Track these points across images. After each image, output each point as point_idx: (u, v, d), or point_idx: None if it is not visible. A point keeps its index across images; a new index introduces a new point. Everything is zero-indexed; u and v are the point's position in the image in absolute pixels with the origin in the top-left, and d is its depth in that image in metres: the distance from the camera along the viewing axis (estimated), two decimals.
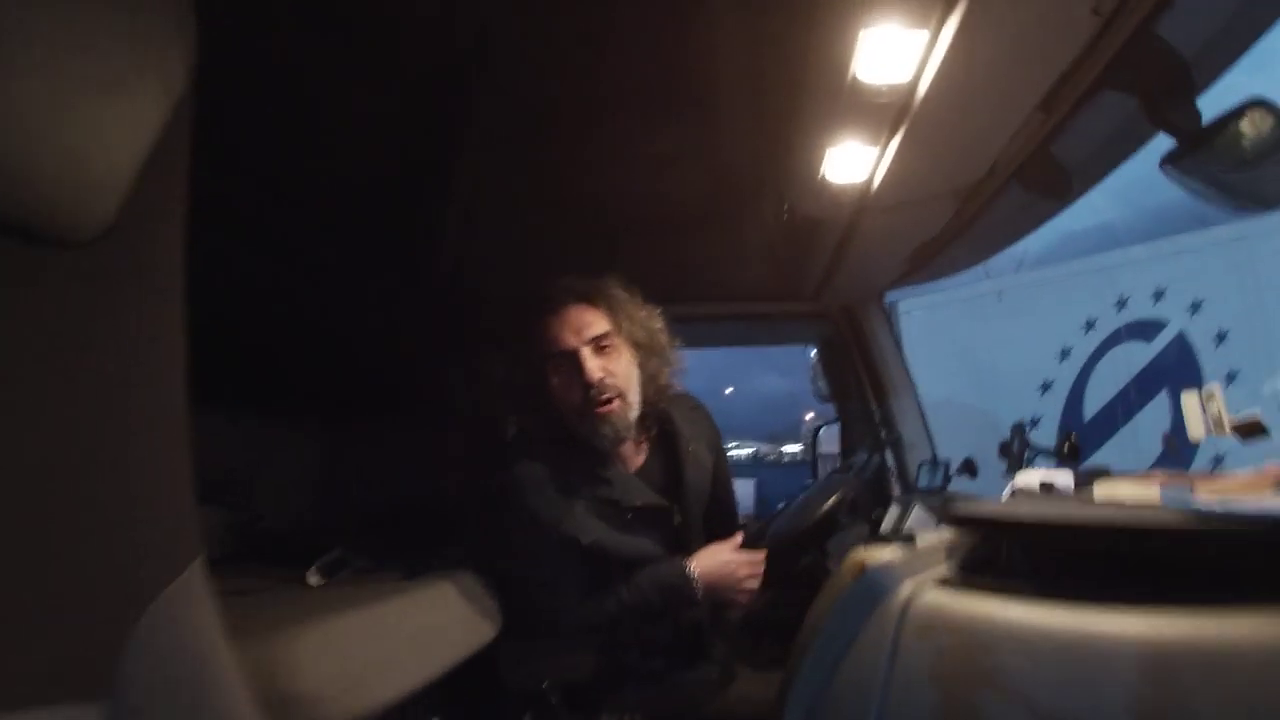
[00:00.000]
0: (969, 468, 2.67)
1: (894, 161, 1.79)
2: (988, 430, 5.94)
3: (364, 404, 2.75)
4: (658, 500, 2.09)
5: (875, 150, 1.78)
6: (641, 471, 2.16)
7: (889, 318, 3.13)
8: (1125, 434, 6.94)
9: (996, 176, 1.90)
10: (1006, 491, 1.53)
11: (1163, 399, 6.79)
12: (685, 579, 1.99)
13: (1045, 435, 6.35)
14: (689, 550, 2.08)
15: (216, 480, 2.12)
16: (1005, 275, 7.68)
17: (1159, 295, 6.94)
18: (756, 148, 2.21)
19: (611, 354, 2.05)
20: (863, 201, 2.02)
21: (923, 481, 2.80)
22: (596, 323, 2.05)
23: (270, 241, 2.19)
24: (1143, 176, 1.76)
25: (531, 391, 2.08)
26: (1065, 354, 7.41)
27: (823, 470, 3.78)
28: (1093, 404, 7.22)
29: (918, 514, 2.45)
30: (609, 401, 2.01)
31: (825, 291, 2.99)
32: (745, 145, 2.21)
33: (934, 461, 2.83)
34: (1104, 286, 7.28)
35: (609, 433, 2.03)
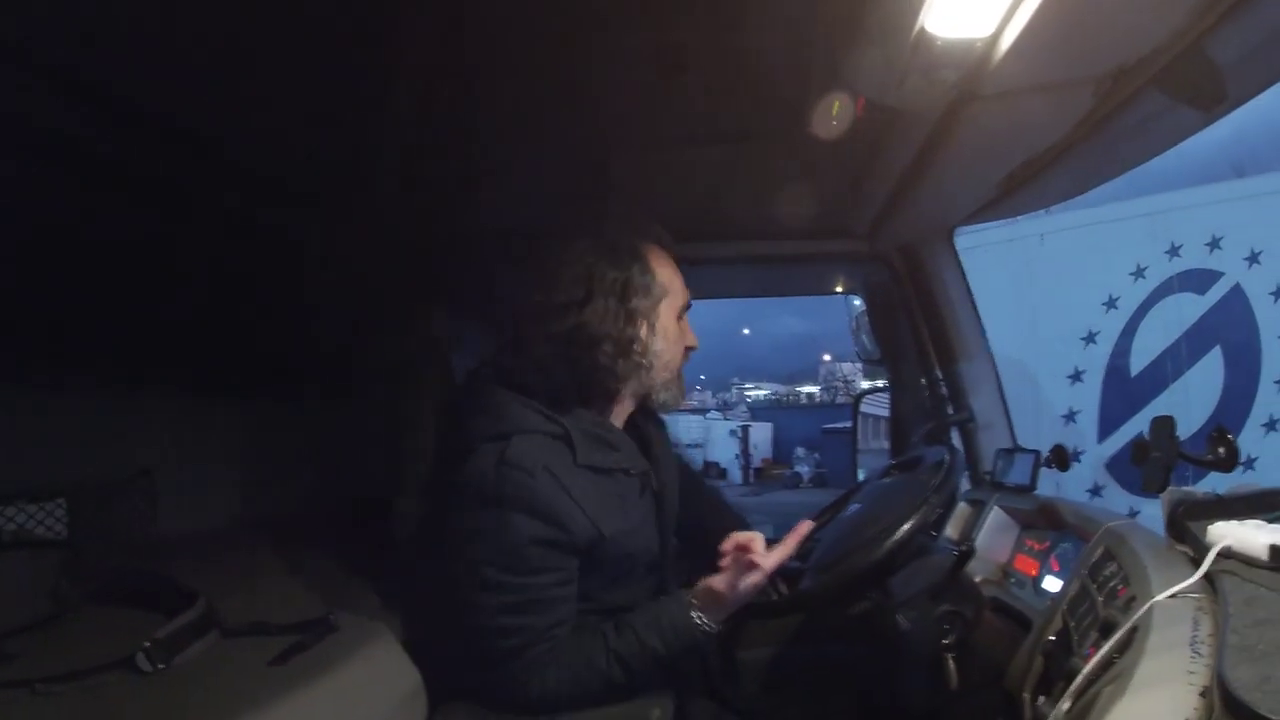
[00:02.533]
0: (1059, 458, 2.11)
1: (1034, 16, 1.26)
2: (1026, 384, 5.55)
3: (296, 375, 2.54)
4: (646, 464, 1.75)
5: None
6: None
7: (959, 261, 2.54)
8: (1176, 391, 6.67)
9: (1140, 71, 1.50)
10: (1211, 555, 1.12)
11: (1215, 356, 6.61)
12: (690, 621, 1.58)
13: (1090, 389, 6.13)
14: (668, 526, 1.78)
15: (118, 480, 1.94)
16: (1045, 216, 7.22)
17: (1215, 244, 6.71)
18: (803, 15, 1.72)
19: None
20: (975, 77, 1.47)
21: (1003, 475, 2.27)
22: None
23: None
24: None
25: (631, 340, 1.66)
26: (1112, 303, 7.03)
27: (865, 436, 3.32)
28: (1140, 359, 6.90)
29: (995, 519, 2.15)
30: None
31: (884, 226, 2.48)
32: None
33: (1016, 449, 2.31)
34: (1156, 232, 7.00)
35: (681, 397, 1.82)
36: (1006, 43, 1.34)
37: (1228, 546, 1.11)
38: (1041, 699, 1.34)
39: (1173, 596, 1.07)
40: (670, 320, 1.71)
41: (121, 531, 1.94)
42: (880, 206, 2.32)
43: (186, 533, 2.15)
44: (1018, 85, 1.49)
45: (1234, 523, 1.15)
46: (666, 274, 1.70)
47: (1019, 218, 6.78)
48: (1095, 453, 6.30)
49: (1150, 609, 1.05)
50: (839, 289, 3.32)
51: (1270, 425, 6.17)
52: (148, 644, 1.34)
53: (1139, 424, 6.15)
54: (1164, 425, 1.48)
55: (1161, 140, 1.86)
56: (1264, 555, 1.03)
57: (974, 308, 2.54)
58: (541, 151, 2.24)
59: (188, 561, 1.86)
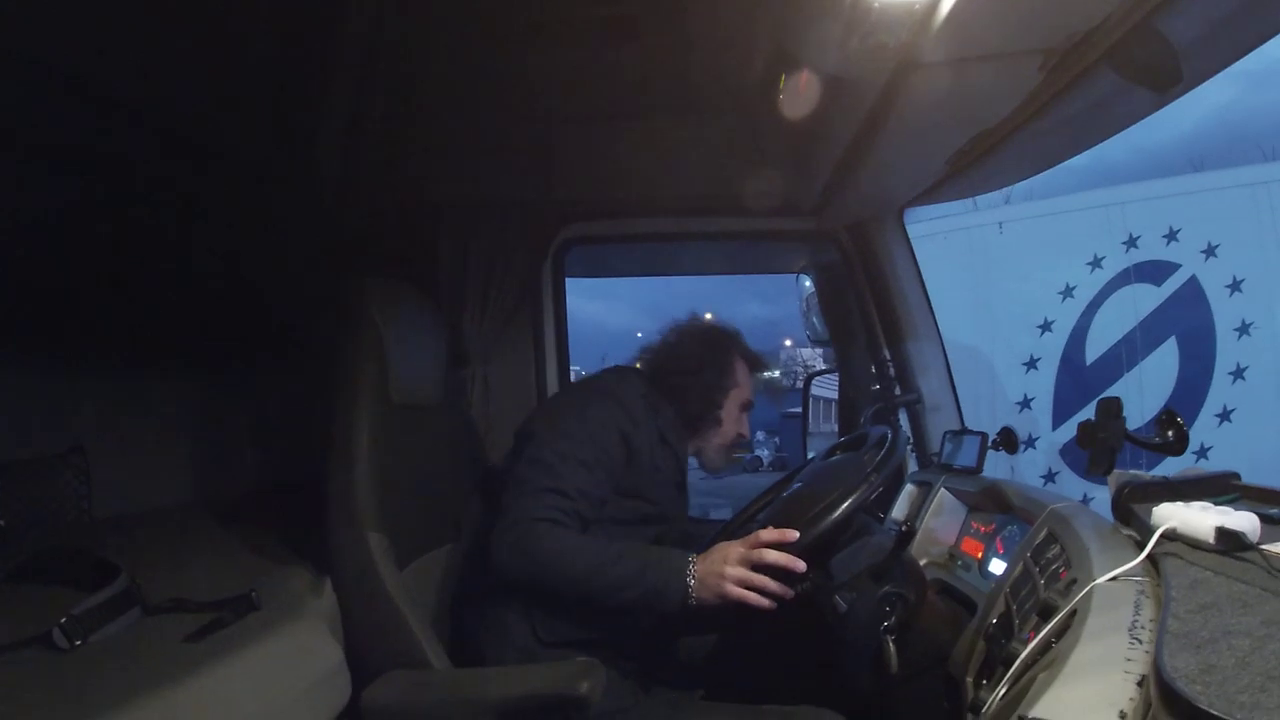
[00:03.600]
0: (1007, 441, 2.15)
1: None
2: (982, 370, 5.56)
3: (240, 350, 2.58)
4: (685, 473, 2.27)
5: None
6: None
7: (909, 242, 2.51)
8: (1130, 380, 6.62)
9: (1091, 47, 1.48)
10: (1155, 537, 1.10)
11: (1170, 346, 6.61)
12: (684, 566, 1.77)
13: (1045, 376, 6.17)
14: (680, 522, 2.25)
15: (50, 456, 1.99)
16: (1002, 207, 7.24)
17: (1172, 236, 6.72)
18: None
19: None
20: (917, 44, 1.43)
21: (949, 457, 2.27)
22: None
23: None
24: None
25: (713, 405, 2.22)
26: (1068, 292, 7.01)
27: (816, 418, 3.31)
28: (1095, 348, 6.88)
29: (942, 501, 2.16)
30: None
31: (832, 203, 2.45)
32: None
33: (963, 431, 2.30)
34: (1114, 223, 7.00)
35: (724, 467, 2.37)
36: (946, 7, 1.30)
37: (1172, 528, 1.08)
38: (984, 683, 1.31)
39: (1114, 579, 1.04)
40: (734, 407, 2.23)
41: (54, 509, 1.94)
42: (827, 182, 2.29)
43: (122, 512, 2.15)
44: (961, 54, 1.45)
45: (1179, 505, 1.12)
46: (741, 375, 2.24)
47: (978, 207, 6.78)
48: (1049, 439, 6.33)
49: (1090, 592, 1.02)
50: (790, 268, 3.28)
51: (1224, 415, 6.21)
52: (64, 620, 1.33)
53: (1093, 411, 6.18)
54: (1110, 407, 1.46)
55: (1114, 122, 1.85)
56: (1210, 538, 1.01)
57: (923, 289, 2.52)
58: (484, 124, 2.23)
59: (120, 540, 1.85)
